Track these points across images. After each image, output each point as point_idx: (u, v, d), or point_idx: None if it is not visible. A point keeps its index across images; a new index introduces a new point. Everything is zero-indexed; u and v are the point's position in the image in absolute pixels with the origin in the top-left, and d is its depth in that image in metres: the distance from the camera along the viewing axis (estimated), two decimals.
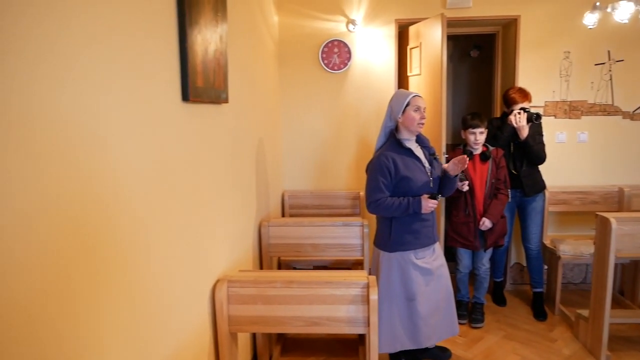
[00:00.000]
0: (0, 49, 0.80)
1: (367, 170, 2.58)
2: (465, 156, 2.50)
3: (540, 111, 3.73)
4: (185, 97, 1.62)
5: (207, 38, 1.81)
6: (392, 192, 2.49)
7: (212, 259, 1.91)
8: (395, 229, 2.52)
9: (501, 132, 3.34)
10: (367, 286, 1.84)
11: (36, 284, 0.89)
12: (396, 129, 2.56)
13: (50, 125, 0.93)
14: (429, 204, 2.44)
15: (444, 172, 2.62)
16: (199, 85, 1.72)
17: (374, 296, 1.82)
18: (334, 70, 3.75)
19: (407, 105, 2.47)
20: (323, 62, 3.74)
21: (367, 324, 1.85)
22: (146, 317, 1.33)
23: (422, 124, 2.49)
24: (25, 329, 0.86)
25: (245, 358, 2.43)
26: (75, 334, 1.00)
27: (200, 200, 1.78)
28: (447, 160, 3.34)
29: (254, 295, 1.87)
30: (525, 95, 3.34)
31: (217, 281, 1.90)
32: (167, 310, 1.47)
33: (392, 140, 2.54)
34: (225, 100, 2.05)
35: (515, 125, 3.24)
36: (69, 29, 0.99)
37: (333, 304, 1.87)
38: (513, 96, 3.35)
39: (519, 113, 3.24)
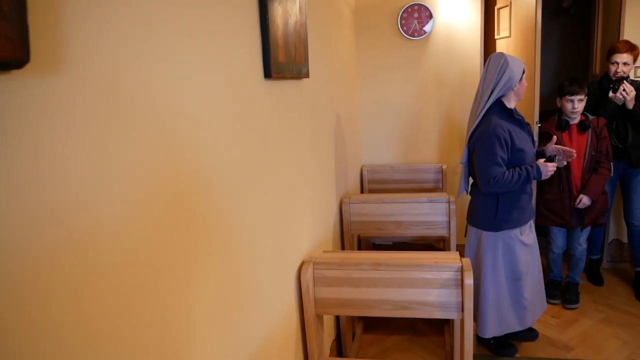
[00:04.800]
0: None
1: (476, 142, 2.33)
2: (574, 151, 2.38)
3: None
4: (268, 74, 1.55)
5: (288, 9, 1.72)
6: (507, 167, 2.30)
7: (296, 238, 1.87)
8: (504, 206, 2.34)
9: (604, 110, 3.00)
10: (462, 270, 1.72)
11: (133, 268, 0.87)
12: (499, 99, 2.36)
13: (142, 103, 0.89)
14: (548, 169, 2.28)
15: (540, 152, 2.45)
16: (281, 61, 1.64)
17: (469, 280, 1.69)
18: (414, 37, 3.54)
19: (523, 72, 2.29)
20: (402, 28, 3.53)
21: (461, 309, 1.74)
22: (237, 303, 1.31)
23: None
24: (119, 310, 0.84)
25: (330, 337, 2.41)
26: (168, 322, 0.99)
27: (283, 179, 1.73)
28: (540, 130, 3.08)
29: (340, 278, 1.82)
30: (631, 47, 2.96)
31: (303, 263, 1.87)
32: (256, 295, 1.45)
33: (501, 110, 2.32)
34: (306, 75, 1.97)
35: (627, 99, 2.90)
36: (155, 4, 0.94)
37: (423, 287, 1.77)
38: (616, 45, 3.00)
39: (622, 86, 2.88)
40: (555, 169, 2.33)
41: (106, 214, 0.79)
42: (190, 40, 1.07)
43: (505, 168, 2.27)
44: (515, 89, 2.30)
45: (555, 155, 2.41)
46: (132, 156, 0.86)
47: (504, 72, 2.25)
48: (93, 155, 0.76)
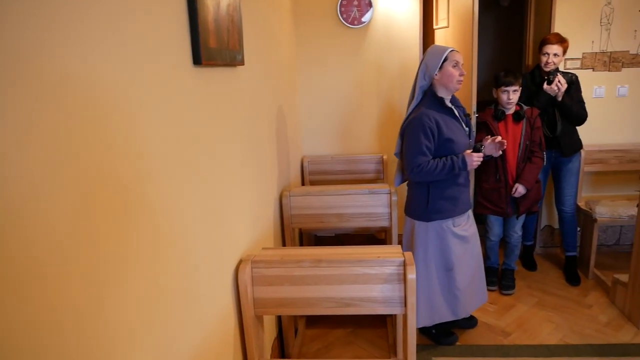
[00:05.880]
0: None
1: (404, 132, 2.35)
2: (504, 141, 2.38)
3: (577, 63, 3.47)
4: (197, 60, 1.42)
5: None
6: (434, 156, 2.31)
7: (233, 235, 1.76)
8: (434, 196, 2.35)
9: (538, 101, 3.09)
10: (404, 264, 1.69)
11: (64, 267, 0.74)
12: (431, 88, 2.35)
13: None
14: (473, 159, 2.27)
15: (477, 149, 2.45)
16: (212, 47, 1.51)
17: (411, 275, 1.66)
18: (354, 25, 3.48)
19: (445, 60, 2.25)
20: (342, 16, 3.46)
21: (404, 304, 1.71)
22: (167, 307, 1.19)
23: (462, 80, 2.29)
24: (49, 311, 0.72)
25: (271, 335, 2.32)
26: (102, 324, 0.86)
27: (218, 174, 1.61)
28: (478, 120, 3.13)
29: (280, 276, 1.73)
30: (561, 39, 3.06)
31: (240, 262, 1.76)
32: (189, 297, 1.33)
33: (431, 99, 2.32)
34: (241, 63, 1.85)
35: (561, 91, 3.00)
36: None
37: (366, 283, 1.72)
38: (547, 37, 3.09)
39: (557, 78, 2.99)
40: (480, 160, 2.31)
41: (13, 202, 0.66)
42: (105, 17, 0.94)
43: (430, 157, 2.28)
44: (436, 77, 2.29)
45: (481, 146, 2.39)
46: (44, 145, 0.73)
47: (422, 61, 2.34)
48: None
